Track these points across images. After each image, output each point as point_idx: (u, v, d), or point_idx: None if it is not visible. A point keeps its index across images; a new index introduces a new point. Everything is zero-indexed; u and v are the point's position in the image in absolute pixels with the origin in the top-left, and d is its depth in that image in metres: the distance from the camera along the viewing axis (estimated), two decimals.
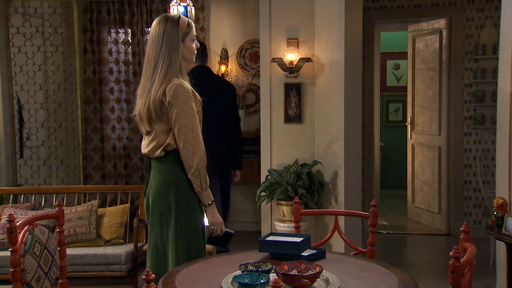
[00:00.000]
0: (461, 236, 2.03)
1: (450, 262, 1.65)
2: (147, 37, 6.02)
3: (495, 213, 3.67)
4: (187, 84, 2.56)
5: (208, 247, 3.82)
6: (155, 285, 1.45)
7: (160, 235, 2.60)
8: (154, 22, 2.62)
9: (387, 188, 7.99)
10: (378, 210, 2.78)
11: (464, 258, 1.77)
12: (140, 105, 2.59)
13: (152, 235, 2.63)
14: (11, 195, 4.47)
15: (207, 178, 2.57)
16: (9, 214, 2.26)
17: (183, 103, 2.49)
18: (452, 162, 5.97)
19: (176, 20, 2.58)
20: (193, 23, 2.70)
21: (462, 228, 2.03)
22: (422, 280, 4.41)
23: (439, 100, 6.07)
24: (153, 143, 2.60)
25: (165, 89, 2.50)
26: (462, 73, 5.88)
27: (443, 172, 6.05)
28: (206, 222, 2.65)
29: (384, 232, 6.11)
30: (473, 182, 5.90)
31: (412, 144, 6.62)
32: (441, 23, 6.03)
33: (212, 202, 2.59)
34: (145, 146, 2.67)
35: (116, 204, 4.48)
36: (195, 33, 2.69)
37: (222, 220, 2.66)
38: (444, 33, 5.97)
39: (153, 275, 1.48)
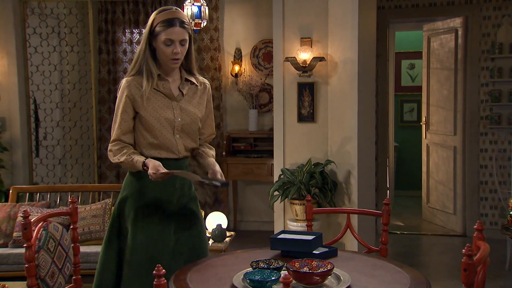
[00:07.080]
0: (474, 234, 2.01)
1: (462, 259, 1.64)
2: None
3: (511, 213, 3.62)
4: (124, 81, 2.38)
5: (220, 245, 3.82)
6: (165, 280, 1.45)
7: None
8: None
9: (402, 189, 7.92)
10: (392, 211, 2.76)
11: (477, 256, 1.75)
12: None
13: None
14: (27, 194, 4.52)
15: (118, 159, 2.36)
16: (23, 211, 2.29)
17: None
18: (467, 162, 5.91)
19: (154, 15, 2.34)
20: (177, 23, 2.30)
21: (475, 226, 2.01)
22: (436, 280, 4.37)
23: (454, 99, 6.01)
24: None
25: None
26: (478, 72, 5.81)
27: (458, 172, 5.99)
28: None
29: (398, 232, 6.06)
30: (489, 182, 5.83)
31: (427, 144, 6.56)
32: (456, 22, 5.96)
33: (143, 165, 2.29)
34: None
35: None
36: (172, 36, 2.29)
37: (155, 172, 2.26)
38: (460, 32, 5.91)
39: (164, 270, 1.49)
